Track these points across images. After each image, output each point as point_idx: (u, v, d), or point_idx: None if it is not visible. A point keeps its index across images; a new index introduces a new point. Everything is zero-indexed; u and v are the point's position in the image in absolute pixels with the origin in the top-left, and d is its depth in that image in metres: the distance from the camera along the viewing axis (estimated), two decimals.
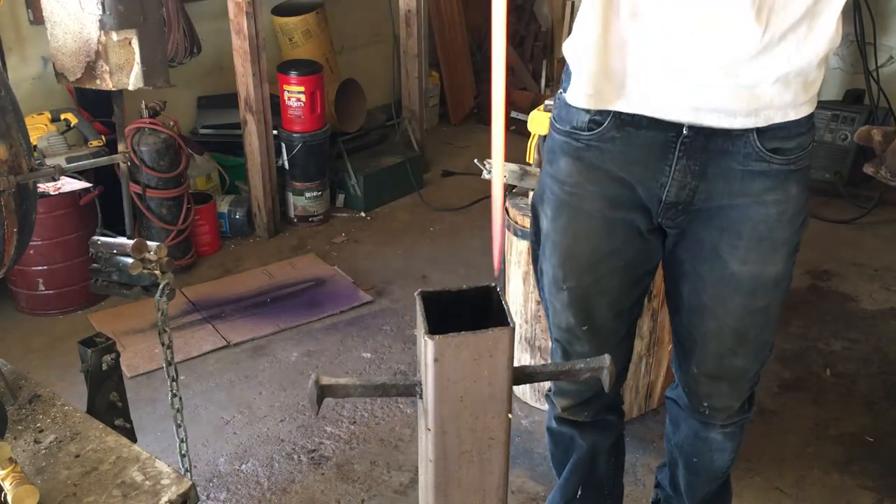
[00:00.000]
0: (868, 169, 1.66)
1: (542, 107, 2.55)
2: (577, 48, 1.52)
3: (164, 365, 1.85)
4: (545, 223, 1.69)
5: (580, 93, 1.53)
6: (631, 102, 1.50)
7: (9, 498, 1.19)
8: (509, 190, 2.61)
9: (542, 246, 1.72)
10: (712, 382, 1.76)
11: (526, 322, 2.67)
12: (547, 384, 2.78)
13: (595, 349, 1.74)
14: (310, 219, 4.20)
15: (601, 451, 1.97)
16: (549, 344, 2.65)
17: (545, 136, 2.57)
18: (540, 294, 1.82)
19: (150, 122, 3.49)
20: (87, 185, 3.25)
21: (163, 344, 1.83)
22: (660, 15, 1.41)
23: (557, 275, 1.69)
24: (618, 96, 1.50)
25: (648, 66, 1.45)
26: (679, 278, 1.69)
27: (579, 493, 2.01)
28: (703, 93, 1.43)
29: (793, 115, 1.48)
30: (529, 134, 2.61)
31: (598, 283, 1.68)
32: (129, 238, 1.75)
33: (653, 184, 1.55)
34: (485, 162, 2.56)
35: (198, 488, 1.85)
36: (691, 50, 1.41)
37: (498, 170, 1.02)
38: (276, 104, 4.03)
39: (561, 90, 1.61)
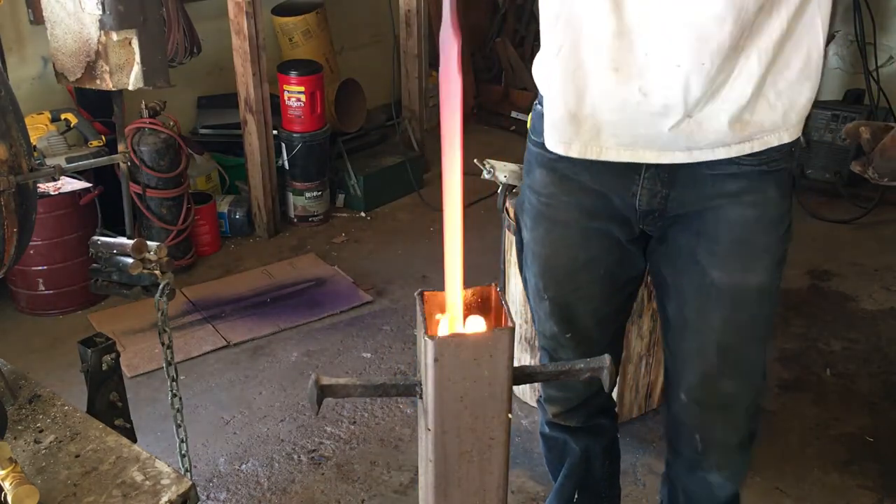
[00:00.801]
0: (855, 167, 1.64)
1: None
2: (546, 88, 1.48)
3: (164, 365, 1.85)
4: (525, 233, 1.69)
5: (555, 139, 1.50)
6: (615, 153, 1.47)
7: (9, 498, 1.19)
8: (509, 190, 2.61)
9: (525, 255, 1.72)
10: (702, 412, 1.69)
11: (526, 322, 2.67)
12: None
13: (580, 356, 1.71)
14: (310, 219, 4.20)
15: (595, 454, 1.96)
16: None
17: None
18: (528, 301, 1.82)
19: (150, 122, 3.49)
20: (87, 185, 3.24)
21: (163, 344, 1.83)
22: (649, 62, 1.34)
23: (538, 284, 1.69)
24: (599, 150, 1.47)
25: (635, 117, 1.40)
26: (664, 297, 1.66)
27: (576, 497, 2.01)
28: (699, 131, 1.39)
29: (787, 138, 1.44)
30: None
31: (577, 292, 1.67)
32: (129, 238, 1.75)
33: (625, 193, 1.53)
34: (485, 162, 2.56)
35: (198, 488, 1.85)
36: (684, 88, 1.35)
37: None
38: (276, 104, 4.03)
39: (536, 102, 1.59)
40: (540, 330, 1.79)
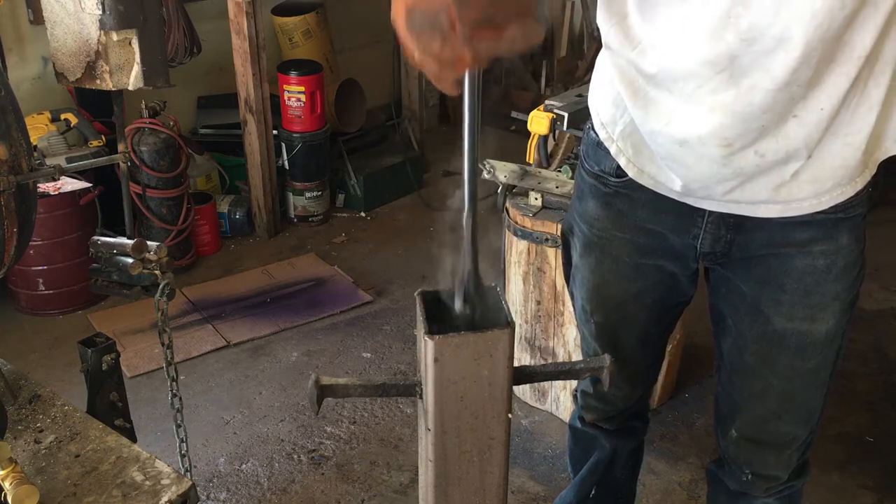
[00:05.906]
0: None
1: (542, 107, 2.55)
2: (609, 132, 1.42)
3: (164, 365, 1.85)
4: (574, 255, 1.64)
5: (632, 171, 1.42)
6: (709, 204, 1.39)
7: (9, 498, 1.19)
8: (509, 190, 2.61)
9: (573, 275, 1.67)
10: (754, 448, 1.60)
11: (526, 322, 2.67)
12: (556, 383, 2.79)
13: (622, 374, 1.69)
14: (310, 219, 4.20)
15: (622, 454, 1.94)
16: (549, 344, 2.66)
17: (545, 136, 2.58)
18: (574, 313, 1.79)
19: (150, 122, 3.49)
20: (87, 185, 3.25)
21: (163, 344, 1.83)
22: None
23: (586, 307, 1.66)
24: (672, 186, 1.38)
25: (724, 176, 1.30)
26: (720, 334, 1.57)
27: (593, 492, 2.00)
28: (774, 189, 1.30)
29: (860, 185, 1.33)
30: (529, 134, 2.61)
31: (625, 319, 1.63)
32: (129, 238, 1.75)
33: (685, 235, 1.45)
34: (485, 162, 2.56)
35: (198, 488, 1.85)
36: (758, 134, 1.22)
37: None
38: (276, 104, 4.03)
39: (588, 126, 1.50)
40: (583, 348, 1.78)
